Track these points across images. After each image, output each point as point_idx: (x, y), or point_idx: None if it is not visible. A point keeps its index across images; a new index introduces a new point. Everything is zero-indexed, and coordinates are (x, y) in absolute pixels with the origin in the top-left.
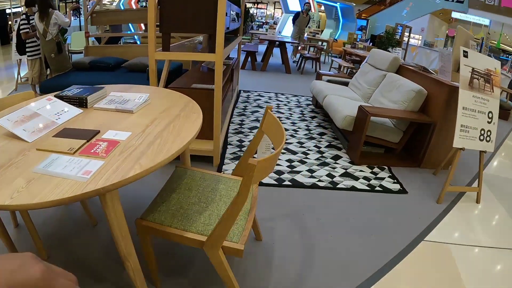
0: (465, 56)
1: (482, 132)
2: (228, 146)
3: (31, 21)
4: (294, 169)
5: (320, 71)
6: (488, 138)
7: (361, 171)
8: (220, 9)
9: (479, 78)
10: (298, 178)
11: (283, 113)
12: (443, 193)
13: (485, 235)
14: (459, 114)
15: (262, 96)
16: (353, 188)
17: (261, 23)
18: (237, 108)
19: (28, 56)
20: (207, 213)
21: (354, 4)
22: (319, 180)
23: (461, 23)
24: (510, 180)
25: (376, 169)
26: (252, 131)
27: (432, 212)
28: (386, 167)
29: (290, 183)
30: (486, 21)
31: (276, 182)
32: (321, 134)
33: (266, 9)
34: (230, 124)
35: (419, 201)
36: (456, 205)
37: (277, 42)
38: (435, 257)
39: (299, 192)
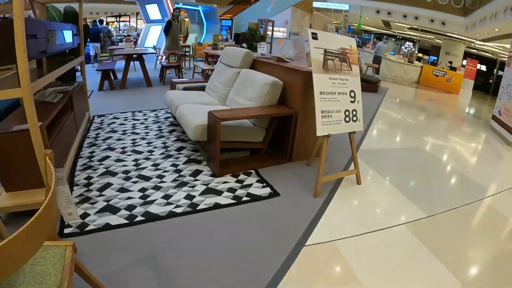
0: (315, 38)
1: (347, 113)
2: (74, 188)
3: None
4: (148, 199)
5: (175, 79)
6: (354, 118)
7: (225, 182)
8: (17, 32)
9: (334, 58)
10: (152, 209)
11: (138, 134)
12: (318, 185)
13: (372, 217)
14: (317, 100)
15: (118, 118)
16: (217, 206)
17: (123, 36)
18: (88, 137)
19: None
20: None
21: (216, 6)
22: (177, 206)
23: (323, 11)
24: (386, 149)
25: (242, 176)
26: (103, 162)
27: (310, 209)
28: (253, 171)
29: (143, 218)
30: (346, 6)
31: (126, 221)
32: (180, 149)
33: (130, 21)
34: (79, 159)
35: (294, 200)
36: (337, 193)
37: (135, 55)
38: (322, 261)
39: (154, 226)
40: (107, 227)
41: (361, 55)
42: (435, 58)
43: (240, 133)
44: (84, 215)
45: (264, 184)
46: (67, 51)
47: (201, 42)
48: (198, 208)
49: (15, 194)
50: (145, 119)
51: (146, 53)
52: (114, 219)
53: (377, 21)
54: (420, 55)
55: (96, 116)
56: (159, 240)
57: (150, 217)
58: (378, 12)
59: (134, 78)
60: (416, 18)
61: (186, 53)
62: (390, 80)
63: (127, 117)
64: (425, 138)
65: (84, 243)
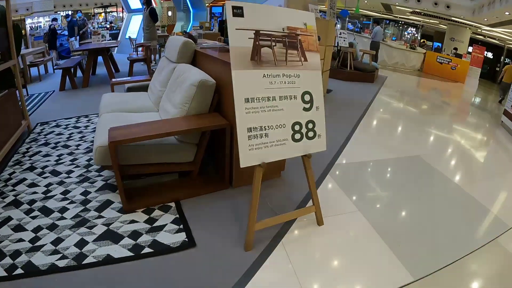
0: (238, 14)
1: (297, 127)
2: None
3: None
4: (37, 243)
5: (115, 79)
6: (311, 134)
7: (132, 222)
8: None
9: (273, 43)
10: (36, 258)
11: (69, 147)
12: (249, 235)
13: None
14: (239, 112)
15: (59, 126)
16: (107, 260)
17: (104, 28)
18: (18, 153)
19: None
20: None
21: None
22: (62, 256)
23: None
24: (374, 161)
25: (156, 212)
26: (16, 187)
27: (231, 272)
28: (173, 204)
29: (22, 271)
30: None
31: (5, 274)
32: (102, 169)
33: (117, 11)
34: None
35: (213, 255)
36: (282, 242)
37: (96, 51)
38: None
39: (31, 283)
40: None
41: (357, 41)
42: (439, 44)
43: (161, 153)
44: None
45: (181, 226)
46: None
47: (187, 30)
48: (84, 262)
49: None
50: (86, 126)
51: (109, 46)
52: None
53: (376, 5)
54: (424, 41)
55: (39, 124)
56: None
57: (30, 271)
58: None
59: (104, 74)
60: (418, 0)
61: (152, 47)
62: (391, 68)
63: (68, 125)
64: (427, 142)
65: None
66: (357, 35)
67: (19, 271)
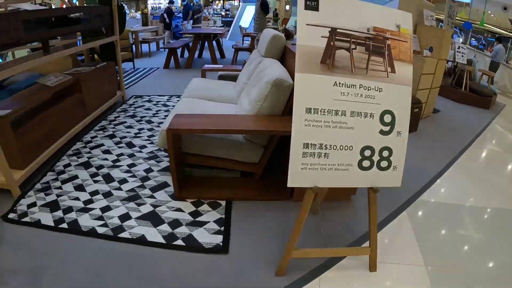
0: (312, 7)
1: (368, 153)
2: (48, 174)
3: None
4: (89, 206)
5: (207, 65)
6: (384, 163)
7: (177, 210)
8: None
9: (354, 45)
10: (82, 219)
11: (151, 123)
12: (284, 260)
13: None
14: (297, 123)
15: (150, 102)
16: (140, 240)
17: (219, 15)
18: (106, 119)
19: None
20: None
21: None
22: (103, 225)
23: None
24: (467, 207)
25: (204, 207)
26: (92, 150)
27: None
28: (223, 203)
29: (66, 227)
30: None
31: (53, 224)
32: None
33: (234, 0)
34: (78, 142)
35: (240, 271)
36: (320, 278)
37: (202, 35)
38: None
39: (67, 239)
40: (36, 224)
41: (478, 59)
42: None
43: (225, 149)
44: (32, 205)
45: (222, 228)
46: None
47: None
48: (120, 235)
49: None
50: (174, 106)
51: (213, 33)
52: (46, 219)
53: (504, 21)
54: None
55: (133, 97)
56: (58, 257)
57: (73, 228)
58: (505, 9)
59: (209, 58)
60: None
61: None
62: None
63: (159, 102)
64: None
65: (12, 232)
66: (478, 52)
67: (64, 225)
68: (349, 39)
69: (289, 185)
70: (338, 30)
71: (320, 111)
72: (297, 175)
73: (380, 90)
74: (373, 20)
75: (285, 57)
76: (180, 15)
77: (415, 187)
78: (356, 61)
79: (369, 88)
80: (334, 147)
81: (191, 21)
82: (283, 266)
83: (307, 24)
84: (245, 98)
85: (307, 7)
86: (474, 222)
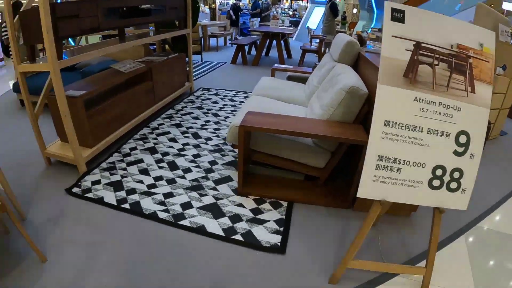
0: (398, 19)
1: (439, 172)
2: (114, 155)
3: None
4: (152, 190)
5: (278, 65)
6: (454, 185)
7: (239, 205)
8: (42, 17)
9: (437, 62)
10: (144, 202)
11: (218, 116)
12: (340, 269)
13: None
14: (375, 134)
15: (217, 95)
16: (200, 230)
17: (287, 14)
18: (173, 108)
19: (11, 58)
20: None
21: None
22: (165, 210)
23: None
24: None
25: (266, 205)
26: (158, 137)
27: None
28: (285, 204)
29: (128, 207)
30: None
31: (115, 203)
32: None
33: (302, 0)
34: (145, 127)
35: (295, 272)
36: None
37: (271, 34)
38: None
39: (127, 220)
40: (99, 201)
41: None
42: None
43: (293, 151)
44: (96, 182)
45: (282, 228)
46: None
47: (368, 31)
48: (181, 222)
49: (63, 145)
50: (241, 102)
51: (282, 32)
52: (110, 197)
53: None
54: None
55: (201, 89)
56: (118, 235)
57: (134, 209)
58: None
59: (276, 57)
60: None
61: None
62: None
63: (226, 96)
64: None
65: (75, 205)
66: None
67: (126, 205)
68: (432, 55)
69: (359, 195)
70: (422, 45)
71: (398, 125)
72: (368, 187)
73: (459, 109)
74: (457, 37)
75: (358, 64)
76: (248, 11)
77: (475, 212)
78: (438, 77)
79: (448, 107)
80: (407, 163)
81: (259, 18)
82: (338, 274)
83: (393, 36)
84: (316, 102)
85: (393, 18)
86: None
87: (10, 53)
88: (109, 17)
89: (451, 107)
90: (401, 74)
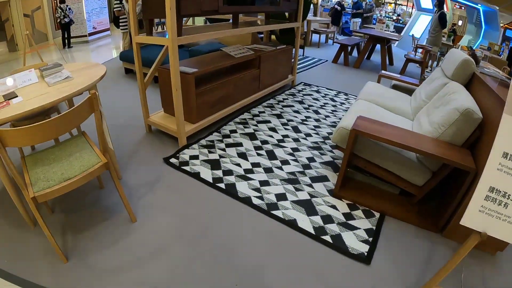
0: None
1: None
2: (214, 134)
3: (123, 1)
4: (248, 175)
5: (385, 72)
6: None
7: (332, 206)
8: None
9: None
10: (240, 186)
11: (319, 114)
12: None
13: None
14: (491, 164)
15: (319, 92)
16: (291, 223)
17: (391, 18)
18: (274, 98)
19: (121, 29)
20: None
21: (498, 8)
22: (259, 197)
23: None
24: None
25: (359, 212)
26: (258, 124)
27: None
28: (378, 215)
29: (223, 187)
30: None
31: (211, 181)
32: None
33: (407, 6)
34: (246, 113)
35: (377, 284)
36: None
37: (376, 37)
38: None
39: (222, 200)
40: (195, 176)
41: None
42: None
43: (395, 163)
44: (194, 157)
45: (371, 239)
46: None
47: (473, 47)
48: (274, 212)
49: (166, 116)
50: (342, 103)
51: (389, 38)
52: (206, 173)
53: None
54: None
55: (303, 83)
56: (209, 212)
57: (229, 191)
58: None
59: (377, 62)
60: None
61: (432, 52)
62: None
63: (327, 95)
64: None
65: (170, 175)
66: None
67: (221, 185)
68: None
69: (462, 223)
70: None
71: None
72: (472, 216)
73: None
74: None
75: (471, 84)
76: (350, 11)
77: None
78: None
79: None
80: None
81: (360, 19)
82: None
83: None
84: (424, 117)
85: None
86: None
87: (120, 24)
88: (227, 2)
89: None
90: None
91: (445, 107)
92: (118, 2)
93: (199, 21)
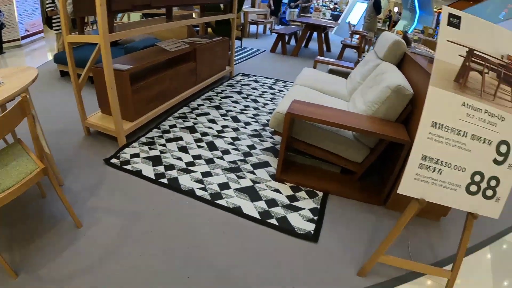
0: (454, 24)
1: (477, 178)
2: (153, 130)
3: (55, 0)
4: (190, 168)
5: (321, 57)
6: (489, 192)
7: (276, 190)
8: None
9: (487, 70)
10: (183, 179)
11: (257, 102)
12: (370, 262)
13: None
14: (422, 133)
15: (257, 82)
16: (237, 211)
17: (328, 7)
18: (213, 91)
19: (54, 30)
20: None
21: None
22: (203, 188)
23: None
24: None
25: (301, 193)
26: (198, 117)
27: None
28: (321, 194)
29: (166, 183)
30: None
31: (153, 177)
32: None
33: None
34: (185, 107)
35: (326, 261)
36: None
37: (313, 26)
38: None
39: (164, 194)
40: (137, 174)
41: None
42: None
43: (333, 143)
44: (135, 155)
45: (316, 217)
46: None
47: (408, 31)
48: (218, 201)
49: (104, 116)
50: (280, 90)
51: (326, 25)
52: (148, 170)
53: None
54: None
55: (241, 74)
56: (154, 208)
57: (172, 185)
58: None
59: (315, 50)
60: None
61: (367, 37)
62: None
63: (265, 83)
64: None
65: (113, 175)
66: None
67: (164, 180)
68: (483, 63)
69: (399, 191)
70: (475, 52)
71: (445, 127)
72: (409, 184)
73: (503, 119)
74: (509, 48)
75: (402, 64)
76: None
77: (506, 223)
78: (486, 85)
79: (493, 115)
80: (449, 165)
81: (298, 9)
82: (367, 267)
83: (448, 40)
84: (359, 97)
85: (449, 24)
86: None
87: (53, 24)
88: None
89: (496, 116)
90: (452, 79)
91: (377, 86)
92: (51, 1)
93: (136, 17)
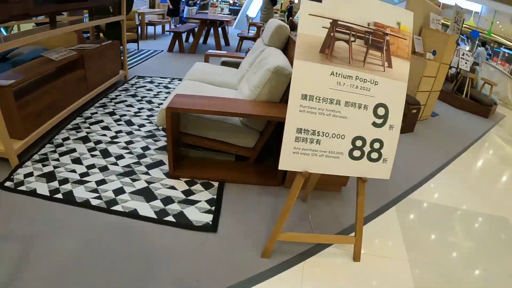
0: None
1: (359, 143)
2: (46, 146)
3: None
4: (84, 178)
5: (211, 50)
6: (374, 155)
7: (171, 187)
8: None
9: (354, 38)
10: (77, 191)
11: (152, 103)
12: (270, 243)
13: None
14: (292, 109)
15: (152, 83)
16: (132, 214)
17: (227, 2)
18: (106, 97)
19: None
20: None
21: None
22: (98, 197)
23: (447, 8)
24: (452, 208)
25: (198, 186)
26: (91, 126)
27: (234, 274)
28: (216, 184)
29: (61, 197)
30: (477, 8)
31: (48, 194)
32: None
33: None
34: (78, 117)
35: (227, 249)
36: (303, 264)
37: (208, 21)
38: None
39: (61, 209)
40: (32, 193)
41: (482, 68)
42: None
43: (221, 131)
44: (29, 175)
45: (213, 208)
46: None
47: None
48: (114, 208)
49: None
50: (175, 88)
51: (221, 20)
52: (42, 188)
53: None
54: None
55: (136, 77)
56: (52, 224)
57: (67, 198)
58: None
59: (213, 44)
60: None
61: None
62: None
63: (161, 83)
64: None
65: (8, 199)
66: (486, 62)
67: (59, 196)
68: (349, 32)
69: (280, 167)
70: (339, 22)
71: (316, 98)
72: (289, 159)
73: (376, 83)
74: (375, 15)
75: (288, 47)
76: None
77: (406, 185)
78: (355, 53)
79: (365, 81)
80: (327, 135)
81: (197, 6)
82: (269, 248)
83: (309, 14)
84: (245, 84)
85: None
86: (460, 224)
87: None
88: (39, 3)
89: (368, 81)
90: (317, 50)
91: (260, 70)
92: None
93: (29, 26)
